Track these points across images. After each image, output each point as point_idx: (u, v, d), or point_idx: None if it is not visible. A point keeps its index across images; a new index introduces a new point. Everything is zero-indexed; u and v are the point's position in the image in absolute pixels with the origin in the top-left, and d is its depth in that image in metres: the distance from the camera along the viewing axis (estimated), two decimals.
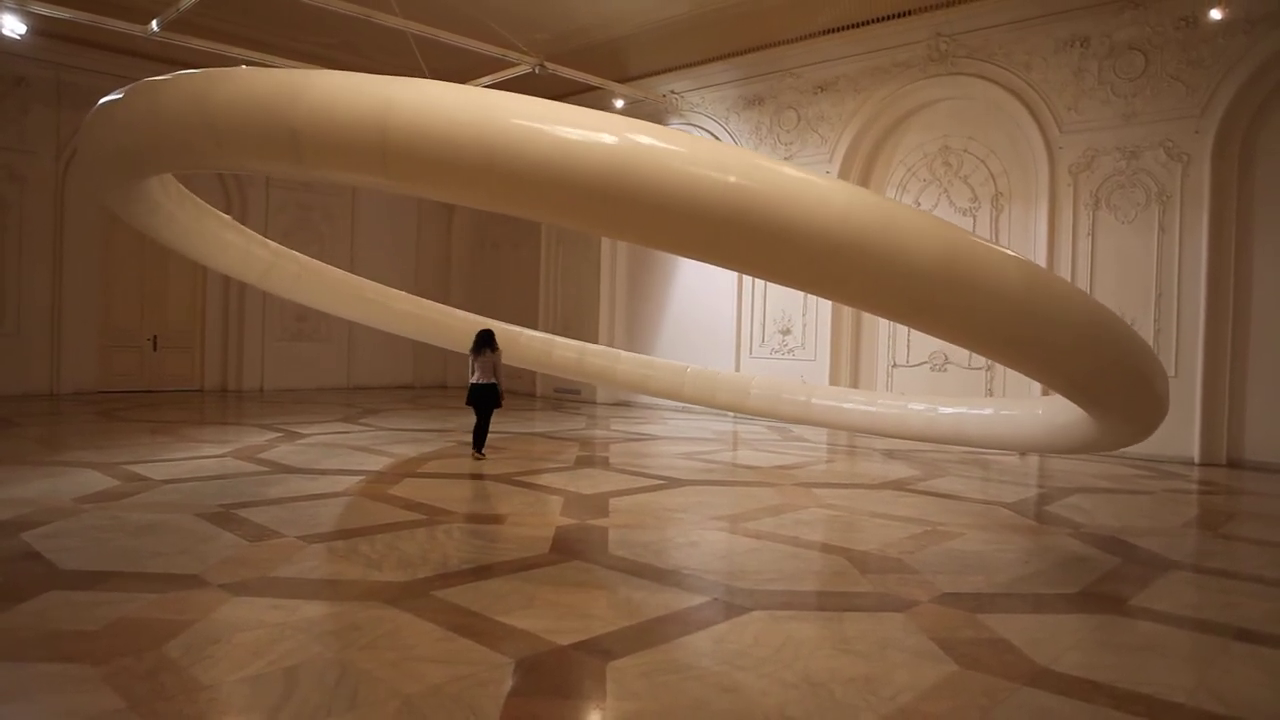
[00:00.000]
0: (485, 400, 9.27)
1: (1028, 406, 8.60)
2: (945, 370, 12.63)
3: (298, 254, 10.73)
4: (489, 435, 9.64)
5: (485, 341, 9.27)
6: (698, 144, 4.65)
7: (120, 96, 5.85)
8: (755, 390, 10.95)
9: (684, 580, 4.98)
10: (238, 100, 4.90)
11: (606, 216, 4.67)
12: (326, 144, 4.65)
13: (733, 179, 4.29)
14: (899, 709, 3.28)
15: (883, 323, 13.35)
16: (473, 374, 9.29)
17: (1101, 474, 9.49)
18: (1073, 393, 5.87)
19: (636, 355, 12.82)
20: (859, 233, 4.37)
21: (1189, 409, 10.38)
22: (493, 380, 9.22)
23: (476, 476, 8.28)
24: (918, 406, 9.44)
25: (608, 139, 4.35)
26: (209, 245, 9.56)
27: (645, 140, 4.39)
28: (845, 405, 10.24)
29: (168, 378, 16.53)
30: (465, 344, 9.82)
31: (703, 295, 15.60)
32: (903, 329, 13.06)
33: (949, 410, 9.30)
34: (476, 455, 9.33)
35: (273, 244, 10.50)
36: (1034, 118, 11.63)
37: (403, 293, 12.05)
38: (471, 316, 12.08)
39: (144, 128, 5.68)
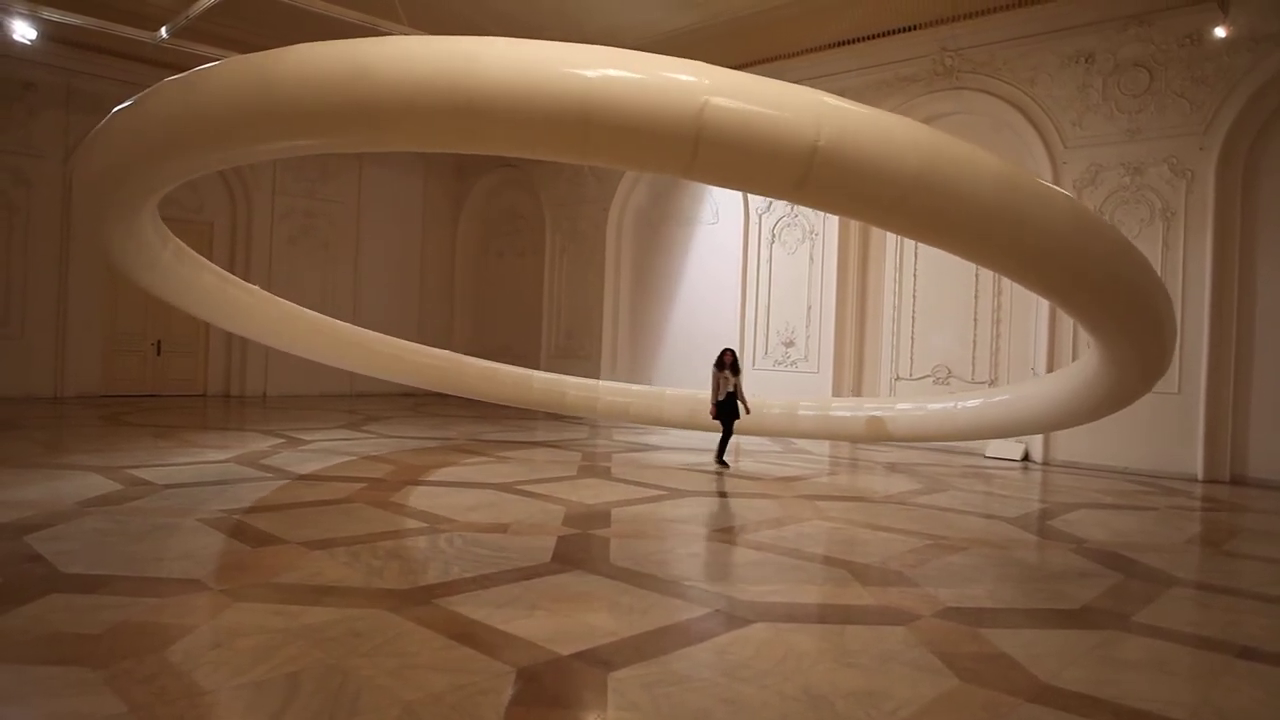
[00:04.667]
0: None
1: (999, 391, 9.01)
2: (948, 383, 12.62)
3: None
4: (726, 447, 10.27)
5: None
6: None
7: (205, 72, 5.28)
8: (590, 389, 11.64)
9: (685, 591, 4.97)
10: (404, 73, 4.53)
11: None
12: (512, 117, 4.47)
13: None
14: None
15: (886, 335, 13.37)
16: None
17: (1105, 489, 9.47)
18: (1058, 299, 5.97)
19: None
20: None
21: (1192, 425, 10.38)
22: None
23: (478, 485, 8.28)
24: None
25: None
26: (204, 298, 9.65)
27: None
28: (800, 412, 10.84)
29: (171, 382, 16.55)
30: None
31: (706, 307, 15.62)
32: (905, 341, 13.08)
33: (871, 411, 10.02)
34: (718, 466, 10.00)
35: (255, 288, 10.44)
36: (1038, 133, 11.66)
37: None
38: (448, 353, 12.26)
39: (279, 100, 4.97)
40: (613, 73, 4.36)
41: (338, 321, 11.19)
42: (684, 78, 4.40)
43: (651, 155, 4.71)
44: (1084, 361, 7.71)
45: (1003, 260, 5.35)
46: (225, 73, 5.24)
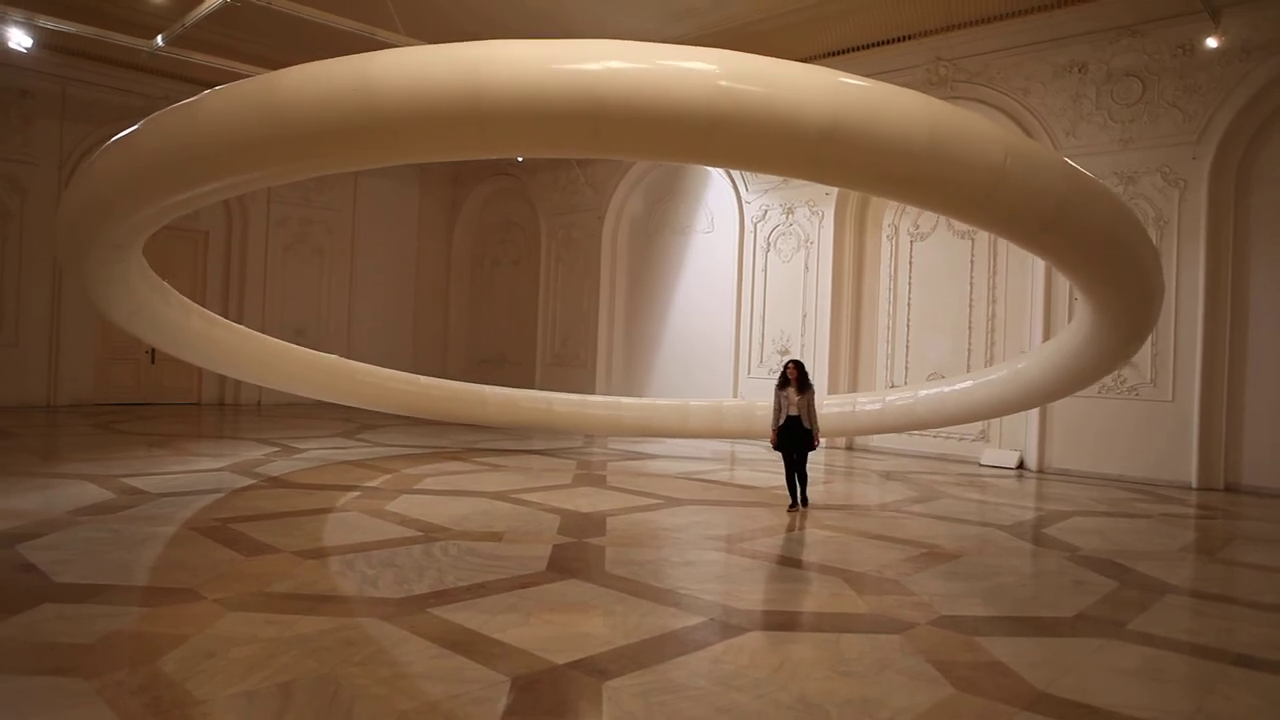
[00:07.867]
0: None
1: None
2: None
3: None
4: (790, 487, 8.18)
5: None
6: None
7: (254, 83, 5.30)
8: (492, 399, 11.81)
9: (680, 600, 4.96)
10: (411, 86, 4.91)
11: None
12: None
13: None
14: None
15: (881, 343, 13.39)
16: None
17: (1099, 498, 9.49)
18: (1044, 253, 6.40)
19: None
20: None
21: (1186, 434, 10.40)
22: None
23: (473, 494, 8.26)
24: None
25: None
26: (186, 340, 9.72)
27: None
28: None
29: (165, 390, 16.50)
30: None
31: (702, 315, 15.62)
32: (901, 348, 13.10)
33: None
34: (797, 508, 7.98)
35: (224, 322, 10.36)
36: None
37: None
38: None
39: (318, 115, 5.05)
40: (941, 140, 4.96)
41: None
42: (989, 134, 5.24)
43: (951, 200, 5.43)
44: (1072, 328, 7.86)
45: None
46: (224, 100, 5.17)
